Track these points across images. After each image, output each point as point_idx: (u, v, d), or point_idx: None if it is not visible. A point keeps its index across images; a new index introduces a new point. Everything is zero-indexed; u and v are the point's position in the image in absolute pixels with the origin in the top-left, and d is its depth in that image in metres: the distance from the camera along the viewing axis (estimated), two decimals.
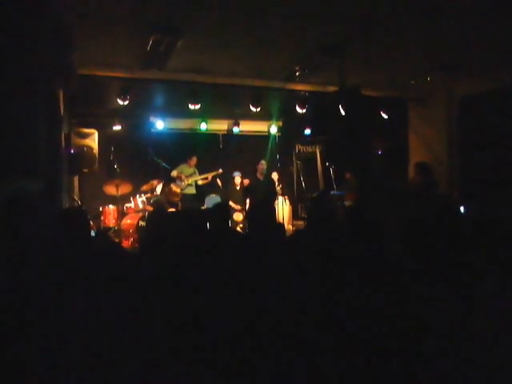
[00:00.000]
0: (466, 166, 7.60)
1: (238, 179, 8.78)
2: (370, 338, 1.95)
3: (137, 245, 6.95)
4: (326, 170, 8.97)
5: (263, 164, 8.82)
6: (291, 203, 9.50)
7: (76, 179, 7.75)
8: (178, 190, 7.80)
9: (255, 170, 8.81)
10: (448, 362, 1.81)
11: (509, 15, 4.50)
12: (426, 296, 2.06)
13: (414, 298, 2.08)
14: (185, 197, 8.32)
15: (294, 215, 9.60)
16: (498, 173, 6.59)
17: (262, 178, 8.74)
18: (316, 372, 1.90)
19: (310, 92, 7.53)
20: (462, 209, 4.03)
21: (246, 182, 8.76)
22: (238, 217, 8.53)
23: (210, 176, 8.80)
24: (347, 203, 7.90)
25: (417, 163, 6.54)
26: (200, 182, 8.87)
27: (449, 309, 1.97)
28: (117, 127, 8.26)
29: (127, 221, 7.56)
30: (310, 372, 1.90)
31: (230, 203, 8.37)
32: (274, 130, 9.93)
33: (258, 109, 7.52)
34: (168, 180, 8.25)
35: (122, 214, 7.67)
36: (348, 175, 8.52)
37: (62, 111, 5.77)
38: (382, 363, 1.85)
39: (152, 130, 8.83)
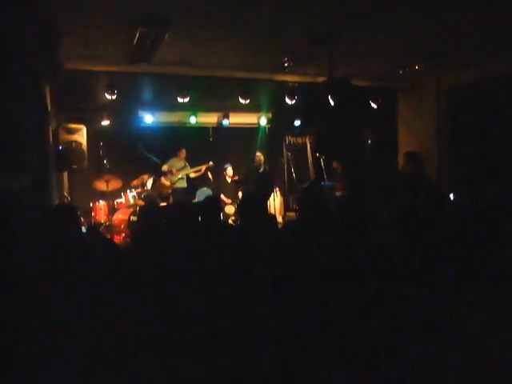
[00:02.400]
0: (455, 154, 7.66)
1: (230, 171, 8.76)
2: (364, 327, 1.97)
3: (129, 240, 6.93)
4: (316, 160, 8.99)
5: (258, 156, 8.81)
6: (282, 195, 9.52)
7: (65, 175, 7.69)
8: (168, 183, 7.78)
9: (253, 162, 8.80)
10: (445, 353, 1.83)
11: (496, 4, 4.52)
12: (419, 285, 2.08)
13: (406, 287, 2.10)
14: (176, 190, 8.30)
15: (286, 207, 9.62)
16: (486, 161, 6.65)
17: (260, 170, 8.73)
18: (314, 367, 1.91)
19: (299, 83, 7.50)
20: (451, 197, 4.07)
21: (235, 177, 8.75)
22: (230, 210, 8.53)
23: (202, 168, 8.79)
24: (338, 193, 7.94)
25: (406, 153, 6.57)
26: (192, 175, 8.85)
27: (441, 297, 1.99)
28: (105, 122, 8.19)
29: (118, 216, 7.53)
30: (307, 366, 1.92)
31: (222, 197, 8.37)
32: (263, 121, 9.91)
33: (248, 101, 7.49)
34: (158, 174, 8.22)
35: (112, 210, 7.64)
36: (335, 164, 8.54)
37: (49, 107, 5.71)
38: (379, 350, 1.87)
39: (141, 125, 8.77)
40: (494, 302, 1.95)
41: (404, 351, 1.84)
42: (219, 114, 9.40)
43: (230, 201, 8.56)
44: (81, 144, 7.08)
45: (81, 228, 3.41)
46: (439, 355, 1.81)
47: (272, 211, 8.42)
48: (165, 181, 7.66)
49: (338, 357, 1.89)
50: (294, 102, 7.58)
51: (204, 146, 9.46)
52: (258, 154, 8.82)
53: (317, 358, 1.89)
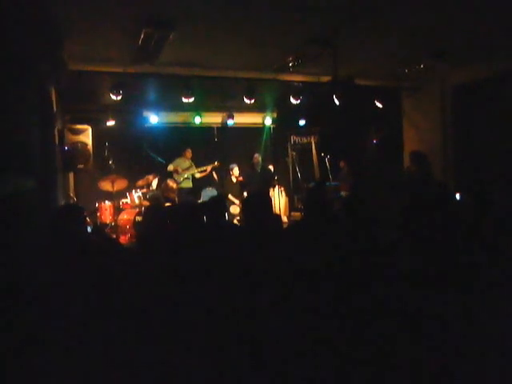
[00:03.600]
0: (460, 153, 7.61)
1: (236, 171, 8.76)
2: (370, 326, 1.96)
3: (134, 240, 6.94)
4: (321, 160, 8.98)
5: (257, 157, 8.82)
6: (287, 194, 9.50)
7: (71, 176, 7.72)
8: (175, 186, 7.73)
9: (252, 163, 8.81)
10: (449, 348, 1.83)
11: (502, 2, 4.49)
12: (423, 285, 2.07)
13: (410, 287, 2.09)
14: (181, 190, 8.31)
15: (291, 207, 9.61)
16: (492, 160, 6.61)
17: (259, 170, 8.74)
18: (315, 366, 1.91)
19: (303, 83, 7.49)
20: (457, 196, 4.05)
21: (240, 178, 8.77)
22: (235, 210, 8.53)
23: (208, 168, 8.80)
24: (343, 193, 7.92)
25: (411, 152, 6.56)
26: (198, 175, 8.86)
27: (446, 296, 1.98)
28: (110, 123, 8.21)
29: (124, 216, 7.54)
30: (309, 366, 1.91)
31: (229, 197, 8.37)
32: (268, 121, 9.91)
33: (252, 101, 7.48)
34: (163, 174, 8.23)
35: (118, 210, 7.65)
36: (342, 163, 8.55)
37: (54, 108, 5.73)
38: (381, 349, 1.86)
39: (146, 125, 8.79)
40: (498, 303, 1.94)
41: (405, 351, 1.84)
42: (224, 114, 9.41)
43: (237, 201, 8.56)
44: (86, 144, 7.10)
45: (86, 228, 3.41)
46: (440, 354, 1.81)
47: (277, 211, 8.41)
48: (172, 183, 7.59)
49: (342, 356, 1.88)
50: (298, 101, 7.58)
51: (209, 146, 9.46)
52: (256, 155, 8.84)
53: (318, 358, 1.88)
